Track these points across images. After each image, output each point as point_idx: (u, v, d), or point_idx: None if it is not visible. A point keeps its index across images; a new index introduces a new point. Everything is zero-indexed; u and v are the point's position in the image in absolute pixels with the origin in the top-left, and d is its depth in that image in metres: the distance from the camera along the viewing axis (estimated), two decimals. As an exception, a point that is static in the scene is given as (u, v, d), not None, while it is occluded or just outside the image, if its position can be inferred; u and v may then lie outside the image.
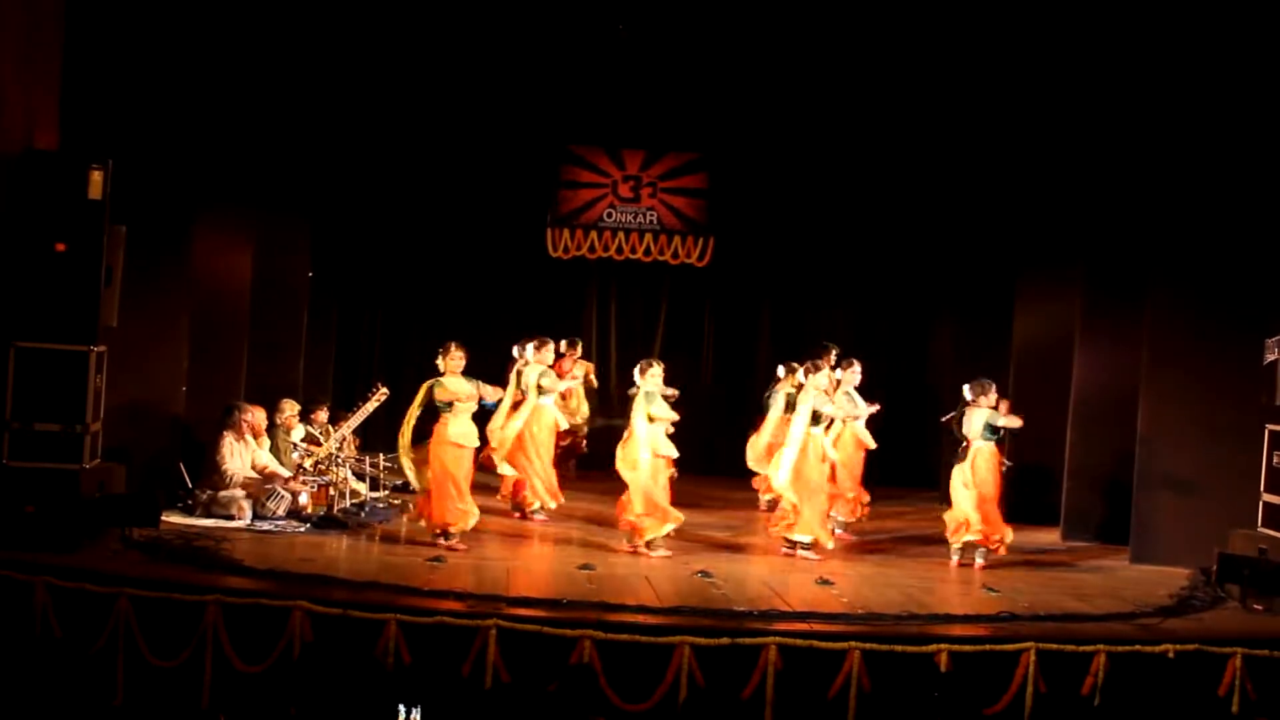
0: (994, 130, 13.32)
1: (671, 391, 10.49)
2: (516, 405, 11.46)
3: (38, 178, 9.07)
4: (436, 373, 10.14)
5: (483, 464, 11.05)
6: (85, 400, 9.07)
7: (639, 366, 10.52)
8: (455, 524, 9.89)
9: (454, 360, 10.09)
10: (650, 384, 10.34)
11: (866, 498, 11.80)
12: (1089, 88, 11.71)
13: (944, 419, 10.89)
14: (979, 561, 10.26)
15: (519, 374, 11.53)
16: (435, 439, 9.99)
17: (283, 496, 10.55)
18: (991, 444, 10.42)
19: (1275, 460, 9.45)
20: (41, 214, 9.03)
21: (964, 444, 10.46)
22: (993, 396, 10.46)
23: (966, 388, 10.51)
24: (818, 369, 10.92)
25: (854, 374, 11.54)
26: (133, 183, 9.53)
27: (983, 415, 10.39)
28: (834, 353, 12.00)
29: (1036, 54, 12.13)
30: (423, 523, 10.08)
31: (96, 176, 9.05)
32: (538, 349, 11.63)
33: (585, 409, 13.69)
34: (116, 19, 10.20)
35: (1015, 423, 10.63)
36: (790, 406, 10.74)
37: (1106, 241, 11.66)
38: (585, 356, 14.35)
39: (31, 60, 9.40)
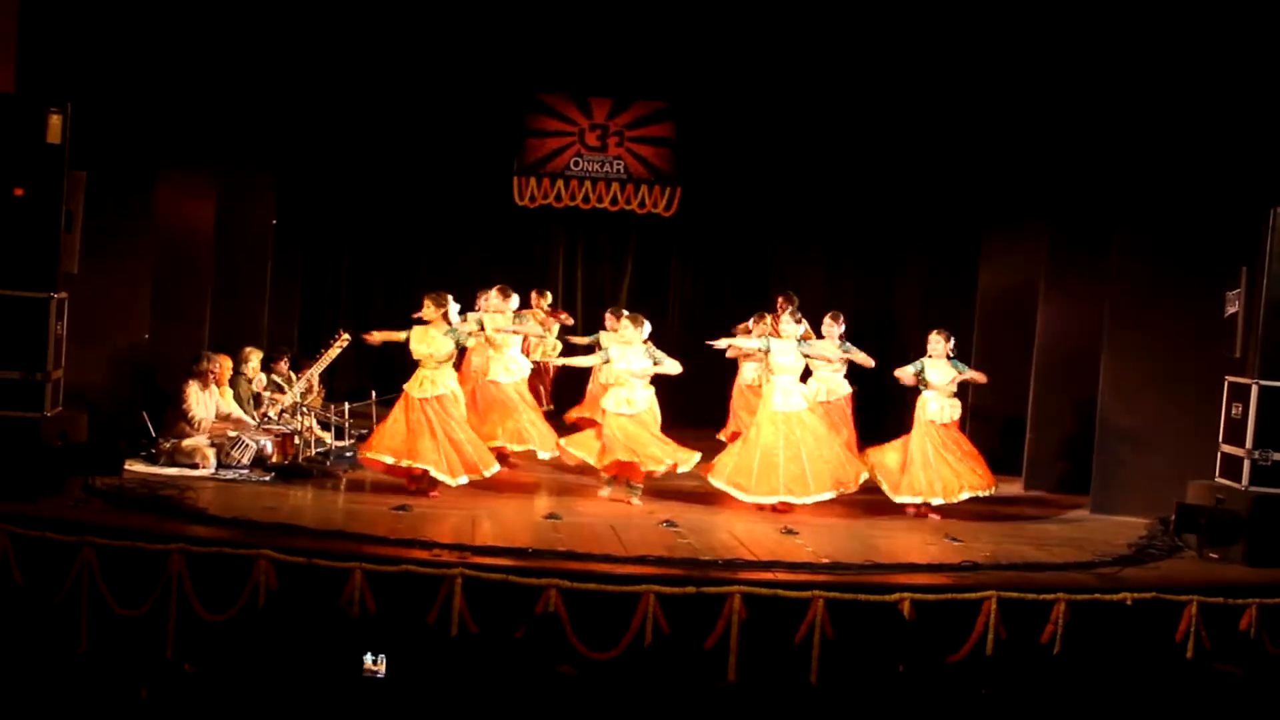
0: (961, 81, 13.30)
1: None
2: None
3: (-6, 121, 8.91)
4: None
5: None
6: (46, 347, 8.96)
7: (633, 317, 10.52)
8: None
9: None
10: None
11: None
12: (1057, 41, 11.69)
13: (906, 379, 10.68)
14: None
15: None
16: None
17: (247, 445, 10.50)
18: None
19: (1234, 411, 9.55)
20: (-2, 158, 8.89)
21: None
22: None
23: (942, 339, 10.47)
24: (760, 320, 11.15)
25: (836, 326, 11.48)
26: (93, 127, 9.37)
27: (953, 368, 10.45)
28: (795, 303, 12.02)
29: (1006, 8, 12.10)
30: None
31: (55, 120, 8.88)
32: (502, 298, 11.54)
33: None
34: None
35: (980, 378, 10.67)
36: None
37: (1072, 194, 11.69)
38: (553, 306, 14.29)
39: (-14, 0, 9.25)
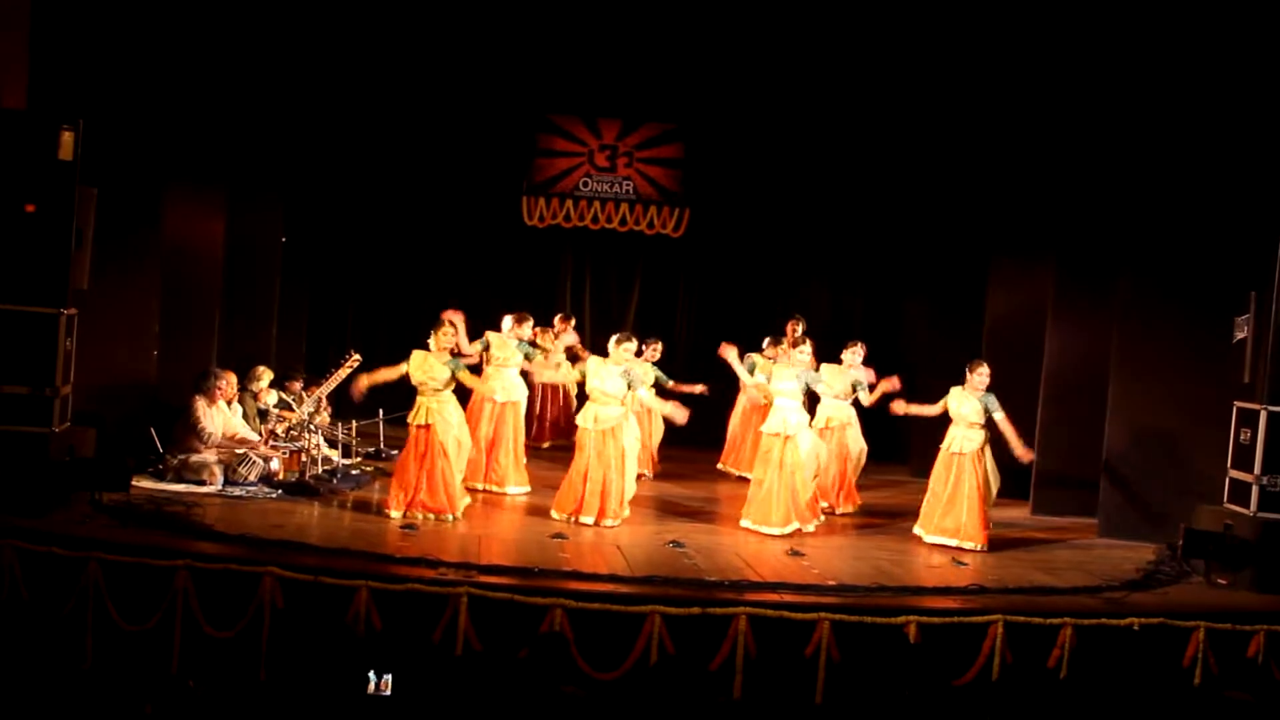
0: (970, 107, 13.31)
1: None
2: None
3: (6, 137, 8.94)
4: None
5: None
6: (55, 363, 9.00)
7: (624, 337, 10.42)
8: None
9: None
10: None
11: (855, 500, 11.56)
12: (1064, 74, 11.71)
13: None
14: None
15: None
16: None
17: (254, 462, 10.51)
18: None
19: (1243, 437, 9.53)
20: (10, 174, 8.92)
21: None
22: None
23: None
24: (775, 344, 11.13)
25: (854, 353, 11.46)
26: (104, 145, 9.43)
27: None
28: (801, 326, 12.05)
29: (1013, 40, 12.15)
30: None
31: (67, 137, 8.94)
32: (517, 323, 11.54)
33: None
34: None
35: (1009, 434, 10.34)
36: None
37: (1079, 220, 11.69)
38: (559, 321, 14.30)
39: None
